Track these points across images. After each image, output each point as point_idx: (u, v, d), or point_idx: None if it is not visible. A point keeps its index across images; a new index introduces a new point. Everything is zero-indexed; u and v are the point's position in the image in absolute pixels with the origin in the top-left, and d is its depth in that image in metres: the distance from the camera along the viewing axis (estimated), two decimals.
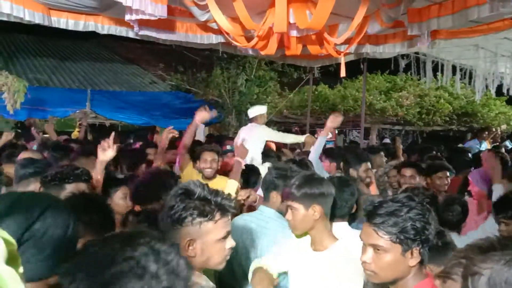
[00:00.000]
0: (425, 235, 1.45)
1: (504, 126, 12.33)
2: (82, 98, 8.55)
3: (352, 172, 3.53)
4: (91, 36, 8.12)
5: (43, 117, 8.09)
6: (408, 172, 3.70)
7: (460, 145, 9.22)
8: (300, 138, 5.33)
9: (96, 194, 2.41)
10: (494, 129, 12.02)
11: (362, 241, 1.52)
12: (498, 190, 2.99)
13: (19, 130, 7.76)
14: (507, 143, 10.59)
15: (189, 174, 3.70)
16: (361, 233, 1.54)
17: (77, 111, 8.47)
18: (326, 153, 4.17)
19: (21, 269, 0.61)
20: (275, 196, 2.40)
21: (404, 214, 1.44)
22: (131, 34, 4.91)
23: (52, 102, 8.18)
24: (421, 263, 1.49)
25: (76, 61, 12.13)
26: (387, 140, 11.62)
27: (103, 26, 4.76)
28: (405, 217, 1.44)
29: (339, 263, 1.86)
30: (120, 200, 2.81)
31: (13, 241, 0.63)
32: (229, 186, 3.08)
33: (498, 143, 9.62)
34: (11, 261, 0.60)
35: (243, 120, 10.46)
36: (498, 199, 2.60)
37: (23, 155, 3.83)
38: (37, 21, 4.16)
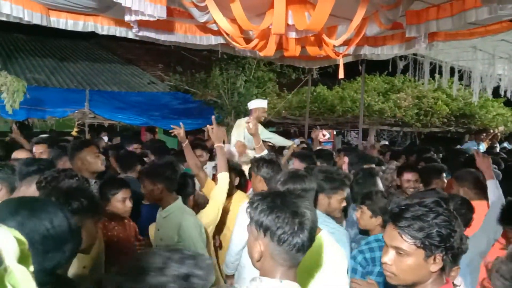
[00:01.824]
0: (450, 242, 1.42)
1: (502, 128, 12.37)
2: (81, 98, 8.55)
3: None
4: (90, 36, 8.13)
5: (42, 117, 8.09)
6: (412, 176, 3.75)
7: (458, 146, 9.25)
8: (288, 143, 5.42)
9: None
10: (491, 131, 12.08)
11: (385, 242, 1.52)
12: (492, 186, 3.04)
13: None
14: (506, 144, 10.64)
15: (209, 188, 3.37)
16: (385, 234, 1.53)
17: (76, 111, 8.47)
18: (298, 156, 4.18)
19: (31, 268, 0.62)
20: (323, 198, 2.48)
21: (431, 220, 1.42)
22: (130, 35, 4.91)
23: (51, 102, 8.18)
24: (442, 269, 1.47)
25: (74, 61, 12.12)
26: (386, 142, 11.63)
27: (103, 26, 4.76)
28: (431, 223, 1.42)
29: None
30: (118, 203, 2.81)
31: (24, 240, 0.64)
32: (220, 180, 3.08)
33: (495, 145, 9.66)
34: (22, 260, 0.61)
35: None
36: (504, 210, 2.59)
37: (17, 154, 3.87)
38: (36, 22, 4.16)
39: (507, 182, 3.75)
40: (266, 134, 5.16)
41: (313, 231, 1.40)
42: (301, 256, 1.40)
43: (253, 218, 1.40)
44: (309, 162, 3.78)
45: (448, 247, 1.42)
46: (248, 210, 1.43)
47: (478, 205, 2.99)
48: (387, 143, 11.55)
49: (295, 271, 1.43)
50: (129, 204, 2.84)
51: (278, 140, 5.39)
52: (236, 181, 3.48)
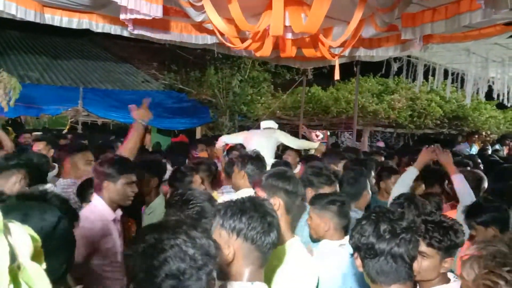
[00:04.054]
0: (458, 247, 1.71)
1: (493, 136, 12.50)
2: (74, 96, 8.50)
3: None
4: (84, 33, 8.08)
5: (35, 115, 8.04)
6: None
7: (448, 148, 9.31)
8: (314, 145, 5.47)
9: None
10: (484, 133, 12.19)
11: None
12: (458, 181, 2.95)
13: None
14: (497, 146, 10.74)
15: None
16: None
17: (69, 109, 8.42)
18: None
19: (44, 265, 0.63)
20: (310, 193, 2.61)
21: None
22: (125, 33, 4.88)
23: (44, 100, 8.12)
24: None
25: (68, 59, 12.04)
26: (381, 144, 11.67)
27: (97, 24, 4.72)
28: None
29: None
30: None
31: (37, 237, 0.65)
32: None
33: (487, 147, 9.75)
34: (35, 257, 0.63)
35: (237, 120, 10.48)
36: (470, 205, 2.61)
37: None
38: (30, 19, 4.12)
39: (500, 183, 3.80)
40: (295, 142, 5.31)
41: (278, 232, 1.52)
42: (269, 254, 1.50)
43: (223, 225, 1.48)
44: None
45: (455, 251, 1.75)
46: (217, 218, 1.50)
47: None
48: (382, 144, 11.61)
49: (263, 272, 1.52)
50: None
51: (305, 144, 5.49)
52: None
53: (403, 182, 3.00)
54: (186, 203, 1.90)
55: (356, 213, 2.46)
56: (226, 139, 5.36)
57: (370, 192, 3.07)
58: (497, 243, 1.21)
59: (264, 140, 4.89)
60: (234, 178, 3.02)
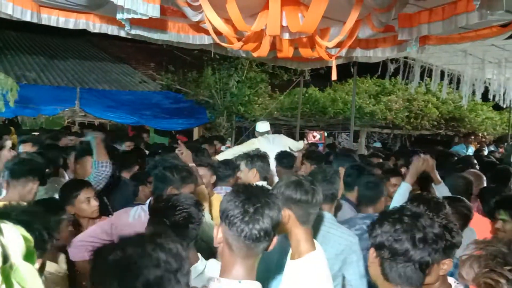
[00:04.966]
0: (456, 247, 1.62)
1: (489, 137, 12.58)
2: (71, 96, 8.49)
3: None
4: (81, 34, 8.06)
5: (31, 115, 8.02)
6: (397, 180, 3.70)
7: (439, 147, 9.33)
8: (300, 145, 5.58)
9: None
10: (480, 134, 12.24)
11: None
12: (440, 191, 2.92)
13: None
14: (492, 147, 10.79)
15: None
16: None
17: (66, 110, 8.41)
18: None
19: (36, 265, 0.63)
20: None
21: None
22: (122, 33, 4.87)
23: (41, 100, 8.11)
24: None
25: (65, 59, 12.02)
26: (378, 144, 11.70)
27: (94, 24, 4.71)
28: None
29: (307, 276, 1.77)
30: (82, 204, 2.70)
31: (30, 237, 0.66)
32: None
33: (483, 148, 9.80)
34: (28, 257, 0.63)
35: (234, 121, 10.48)
36: (503, 197, 2.62)
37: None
38: (26, 19, 4.11)
39: (496, 184, 3.82)
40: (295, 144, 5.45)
41: (270, 227, 1.35)
42: (254, 246, 1.35)
43: (220, 207, 1.40)
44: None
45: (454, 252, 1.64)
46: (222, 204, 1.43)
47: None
48: (380, 145, 11.63)
49: (253, 267, 1.40)
50: (94, 203, 2.73)
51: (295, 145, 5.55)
52: (213, 179, 3.34)
53: (400, 198, 2.81)
54: (172, 209, 1.83)
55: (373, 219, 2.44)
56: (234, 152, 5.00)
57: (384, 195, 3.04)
58: (496, 244, 1.22)
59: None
60: (246, 177, 3.21)
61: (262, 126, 5.34)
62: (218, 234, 1.39)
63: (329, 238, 2.23)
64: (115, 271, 1.04)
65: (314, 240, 1.91)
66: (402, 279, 1.44)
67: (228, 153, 5.08)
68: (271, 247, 1.41)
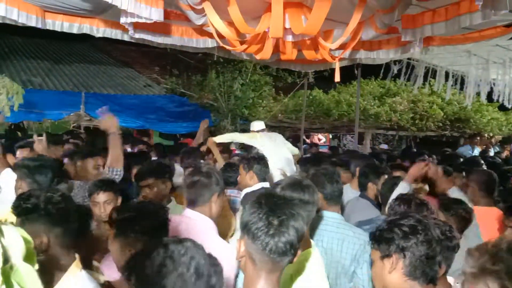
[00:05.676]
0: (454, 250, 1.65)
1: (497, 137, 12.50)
2: (77, 100, 8.53)
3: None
4: (86, 38, 8.10)
5: (37, 120, 8.06)
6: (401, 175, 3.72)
7: (445, 149, 9.29)
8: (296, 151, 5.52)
9: None
10: (486, 135, 12.16)
11: None
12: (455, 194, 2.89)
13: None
14: (497, 148, 10.74)
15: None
16: None
17: (72, 114, 8.45)
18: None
19: (36, 266, 0.64)
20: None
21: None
22: (126, 37, 4.90)
23: (46, 105, 8.15)
24: (444, 273, 1.65)
25: (70, 64, 12.09)
26: (385, 146, 11.65)
27: (98, 28, 4.74)
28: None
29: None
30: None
31: (30, 239, 0.66)
32: None
33: (489, 149, 9.74)
34: (28, 258, 0.64)
35: (238, 124, 10.49)
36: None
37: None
38: (31, 24, 4.14)
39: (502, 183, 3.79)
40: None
41: (295, 239, 1.29)
42: (279, 260, 1.28)
43: (240, 219, 1.35)
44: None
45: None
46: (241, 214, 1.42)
47: (487, 211, 2.97)
48: (386, 146, 11.59)
49: (278, 282, 1.33)
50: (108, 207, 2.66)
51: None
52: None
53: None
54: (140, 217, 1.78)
55: None
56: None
57: None
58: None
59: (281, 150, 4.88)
60: (243, 180, 3.21)
61: (258, 124, 5.21)
62: (241, 248, 1.33)
63: (347, 240, 2.26)
64: (141, 265, 1.09)
65: (310, 240, 1.94)
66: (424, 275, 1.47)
67: (226, 136, 5.22)
68: (295, 259, 1.34)
